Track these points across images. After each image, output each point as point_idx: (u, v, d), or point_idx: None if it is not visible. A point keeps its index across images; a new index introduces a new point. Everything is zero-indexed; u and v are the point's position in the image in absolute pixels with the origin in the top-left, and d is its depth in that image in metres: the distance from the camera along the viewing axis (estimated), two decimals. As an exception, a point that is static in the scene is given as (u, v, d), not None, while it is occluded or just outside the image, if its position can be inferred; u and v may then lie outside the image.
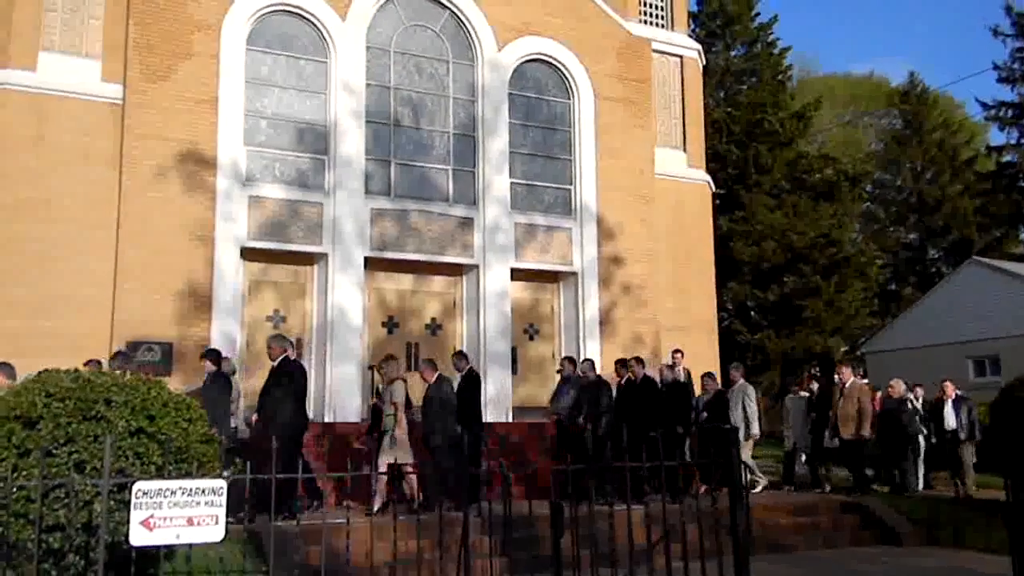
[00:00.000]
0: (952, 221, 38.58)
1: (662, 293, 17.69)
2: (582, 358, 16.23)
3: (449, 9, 16.60)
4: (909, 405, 14.27)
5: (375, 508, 10.11)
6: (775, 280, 31.21)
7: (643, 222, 17.61)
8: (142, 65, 14.00)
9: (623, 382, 12.74)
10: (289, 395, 10.28)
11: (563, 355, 16.84)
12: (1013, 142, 37.61)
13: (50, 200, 13.46)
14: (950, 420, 14.11)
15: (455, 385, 11.75)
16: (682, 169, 18.92)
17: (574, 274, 17.00)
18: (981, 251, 34.96)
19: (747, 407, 13.17)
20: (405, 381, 11.29)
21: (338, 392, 14.68)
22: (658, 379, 13.06)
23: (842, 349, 34.05)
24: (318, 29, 15.48)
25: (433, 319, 16.33)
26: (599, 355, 16.60)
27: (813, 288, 30.30)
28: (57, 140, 13.64)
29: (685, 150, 19.14)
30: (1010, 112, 37.20)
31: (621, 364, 13.01)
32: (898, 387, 14.23)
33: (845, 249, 31.70)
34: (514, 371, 16.31)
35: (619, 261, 17.22)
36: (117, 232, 13.58)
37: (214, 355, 11.13)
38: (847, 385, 13.06)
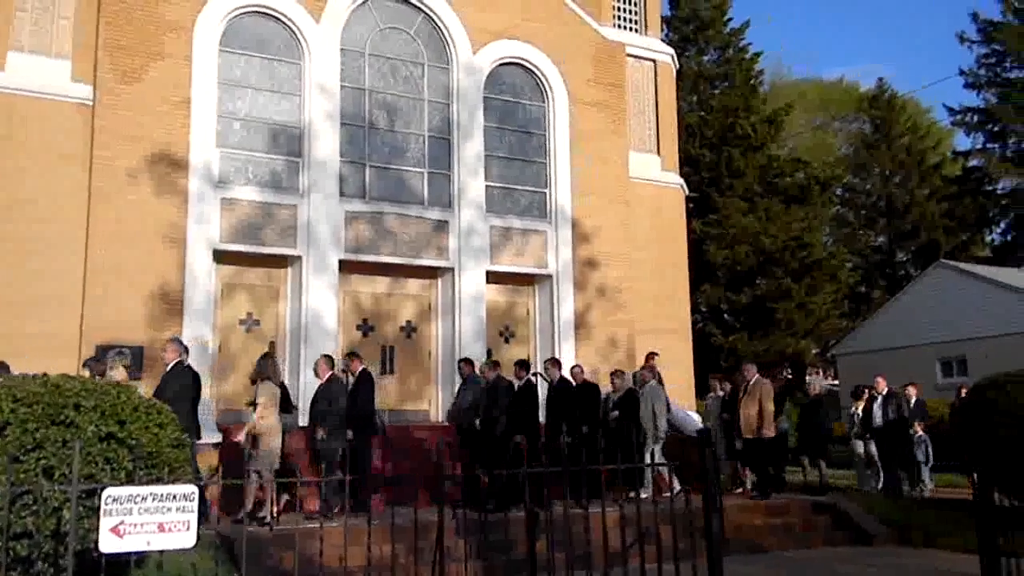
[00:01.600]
0: (920, 224, 39.19)
1: (637, 296, 17.77)
2: (565, 362, 16.35)
3: (424, 12, 16.59)
4: (884, 405, 14.11)
5: (246, 510, 9.69)
6: (748, 283, 31.50)
7: (618, 225, 17.68)
8: (113, 66, 13.84)
9: (522, 384, 12.37)
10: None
11: (536, 359, 16.89)
12: (979, 147, 38.34)
13: (20, 201, 13.25)
14: (877, 417, 13.87)
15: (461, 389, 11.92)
16: (656, 173, 19.03)
17: (549, 277, 17.04)
18: (948, 254, 35.52)
19: (655, 407, 12.73)
20: (273, 383, 10.57)
21: (312, 396, 14.55)
22: (573, 381, 12.90)
23: (813, 351, 34.44)
24: (292, 31, 15.39)
25: (408, 322, 16.28)
26: (574, 358, 16.63)
27: (785, 291, 30.60)
28: (27, 140, 13.44)
29: (659, 154, 19.25)
30: (976, 117, 37.89)
31: (520, 365, 12.63)
32: (817, 384, 14.23)
33: (816, 252, 32.05)
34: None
35: (594, 264, 17.28)
36: (87, 233, 13.40)
37: (176, 344, 10.50)
38: (750, 384, 12.65)
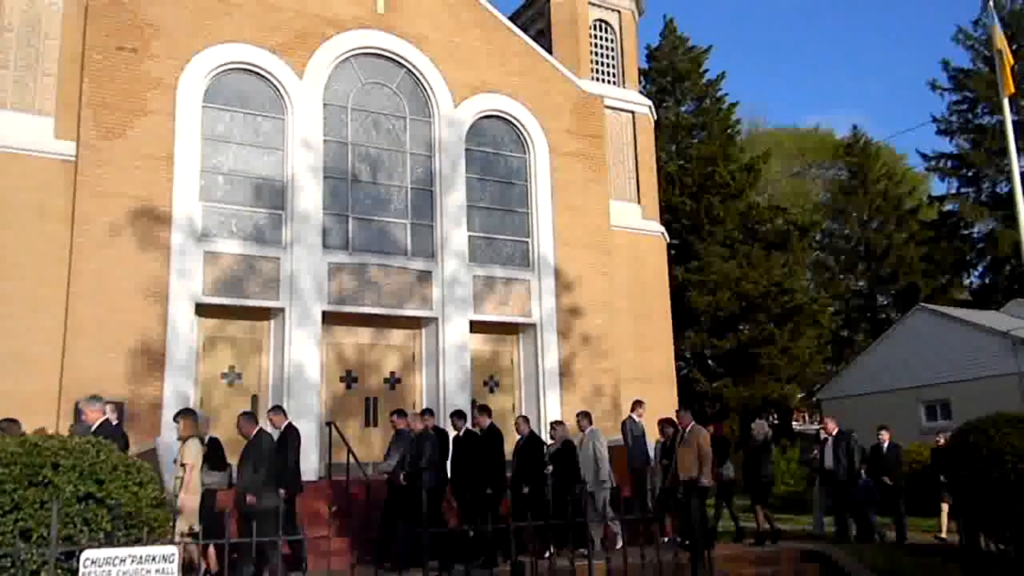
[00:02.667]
0: (899, 268, 39.60)
1: (621, 344, 17.81)
2: (543, 411, 16.32)
3: (405, 68, 16.84)
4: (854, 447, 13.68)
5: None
6: (731, 329, 31.65)
7: (601, 274, 17.80)
8: (96, 122, 13.92)
9: (462, 434, 11.85)
10: None
11: (522, 408, 16.83)
12: (954, 191, 38.97)
13: (2, 257, 13.19)
14: (827, 460, 13.54)
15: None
16: (637, 221, 19.22)
17: (533, 326, 17.06)
18: (928, 297, 35.85)
19: (597, 452, 12.24)
20: (201, 440, 10.02)
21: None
22: (517, 435, 12.36)
23: (798, 396, 34.50)
24: (275, 87, 15.57)
25: (392, 373, 16.22)
26: (560, 406, 16.62)
27: (768, 336, 30.76)
28: (9, 197, 13.42)
29: (640, 203, 19.47)
30: (949, 163, 38.60)
31: (457, 415, 12.13)
32: (760, 429, 13.62)
33: (798, 298, 32.30)
34: (473, 425, 16.17)
35: (578, 312, 17.34)
36: (68, 289, 13.33)
37: (90, 402, 9.94)
38: (687, 431, 12.21)
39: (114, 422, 9.72)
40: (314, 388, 14.85)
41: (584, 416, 12.98)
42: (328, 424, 14.28)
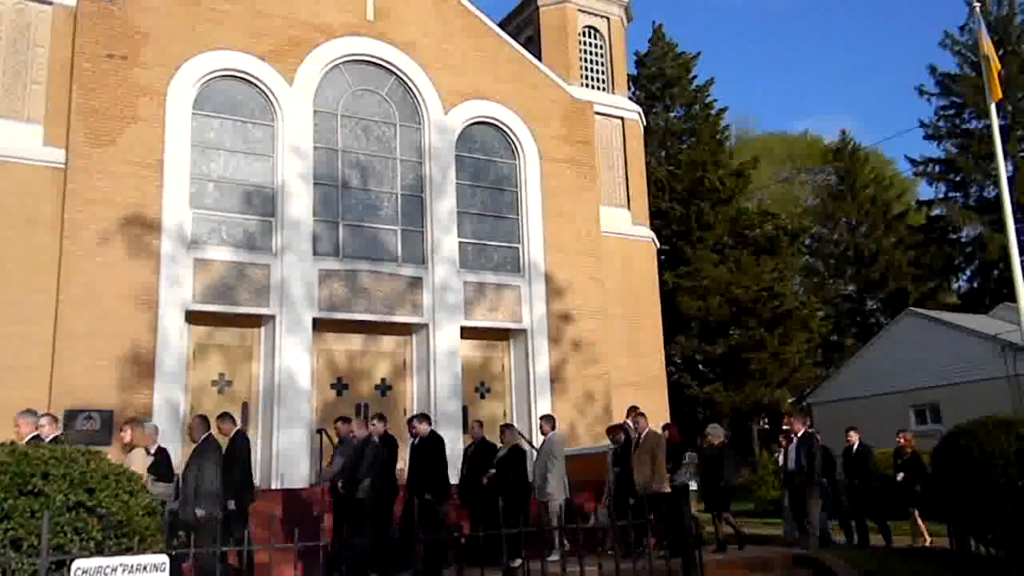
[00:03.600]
0: (888, 273, 39.80)
1: (612, 349, 17.84)
2: (538, 416, 16.27)
3: (395, 74, 16.86)
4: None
5: None
6: (721, 334, 31.73)
7: (591, 279, 17.83)
8: (86, 129, 13.88)
9: (416, 442, 11.53)
10: None
11: (513, 415, 16.82)
12: (941, 196, 39.21)
13: (-9, 265, 13.12)
14: (790, 462, 13.18)
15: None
16: (627, 226, 19.27)
17: (524, 332, 17.08)
18: (917, 301, 36.04)
19: (549, 462, 11.95)
20: (147, 450, 9.78)
21: (286, 457, 14.39)
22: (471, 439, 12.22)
23: (789, 400, 34.59)
24: (265, 94, 15.56)
25: (383, 379, 16.20)
26: (551, 412, 16.59)
27: (758, 341, 30.85)
28: (-2, 204, 13.36)
29: (629, 208, 19.53)
30: (937, 168, 38.85)
31: (416, 420, 11.83)
32: (716, 434, 13.35)
33: (787, 302, 32.42)
34: (465, 430, 16.18)
35: (569, 318, 17.36)
36: (57, 297, 13.27)
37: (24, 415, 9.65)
38: (642, 436, 11.91)
39: (47, 436, 9.34)
40: (305, 395, 14.82)
41: (546, 420, 12.64)
42: (319, 431, 14.27)
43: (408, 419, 12.06)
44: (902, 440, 14.31)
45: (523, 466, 11.67)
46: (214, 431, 10.52)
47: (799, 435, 13.19)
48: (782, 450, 14.07)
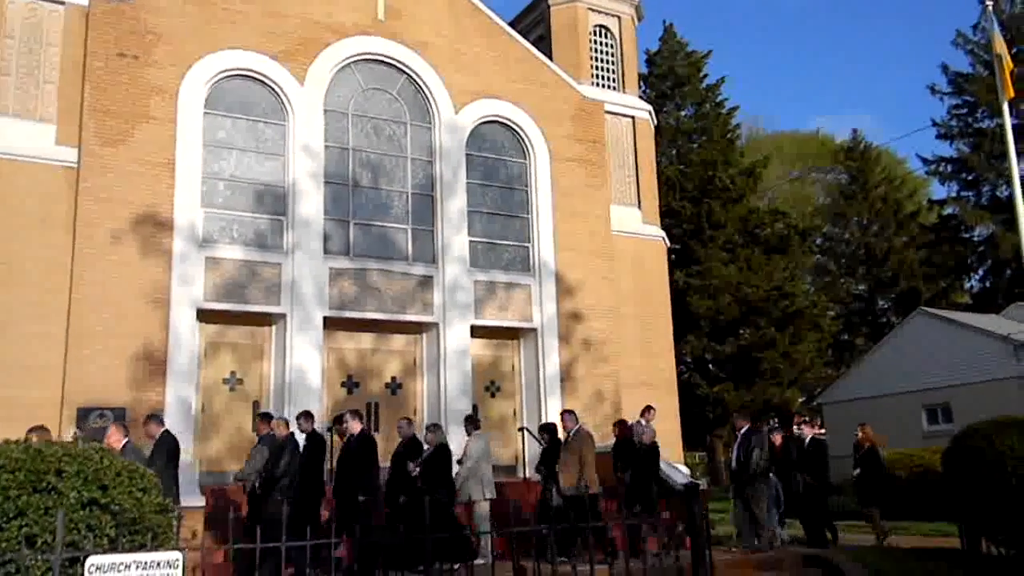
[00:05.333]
0: (899, 272, 39.65)
1: (622, 349, 17.82)
2: (544, 416, 16.29)
3: (406, 74, 16.88)
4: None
5: None
6: (732, 333, 31.67)
7: (602, 278, 17.82)
8: (98, 129, 13.96)
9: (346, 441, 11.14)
10: None
11: (523, 414, 16.83)
12: (953, 195, 39.03)
13: (7, 264, 13.21)
14: (734, 458, 12.97)
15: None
16: (638, 226, 19.25)
17: (534, 331, 17.08)
18: (928, 301, 35.88)
19: (470, 461, 11.62)
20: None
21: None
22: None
23: (799, 400, 34.52)
24: (276, 93, 15.61)
25: (393, 378, 16.24)
26: (561, 411, 16.59)
27: (769, 340, 30.78)
28: (12, 204, 13.44)
29: (640, 207, 19.51)
30: (949, 167, 38.66)
31: (351, 416, 11.42)
32: (648, 432, 13.02)
33: (798, 302, 32.33)
34: (476, 429, 16.19)
35: (579, 317, 17.36)
36: (70, 296, 13.35)
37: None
38: (571, 435, 11.58)
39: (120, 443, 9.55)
40: (315, 393, 14.87)
41: (469, 421, 12.29)
42: (329, 429, 14.30)
43: (336, 416, 11.45)
44: (860, 434, 14.02)
45: (447, 466, 11.20)
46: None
47: (742, 432, 12.93)
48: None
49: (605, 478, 12.75)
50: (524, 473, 16.14)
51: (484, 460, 11.78)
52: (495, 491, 11.79)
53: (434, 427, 11.90)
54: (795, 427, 14.00)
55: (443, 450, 11.34)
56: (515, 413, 16.90)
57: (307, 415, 11.52)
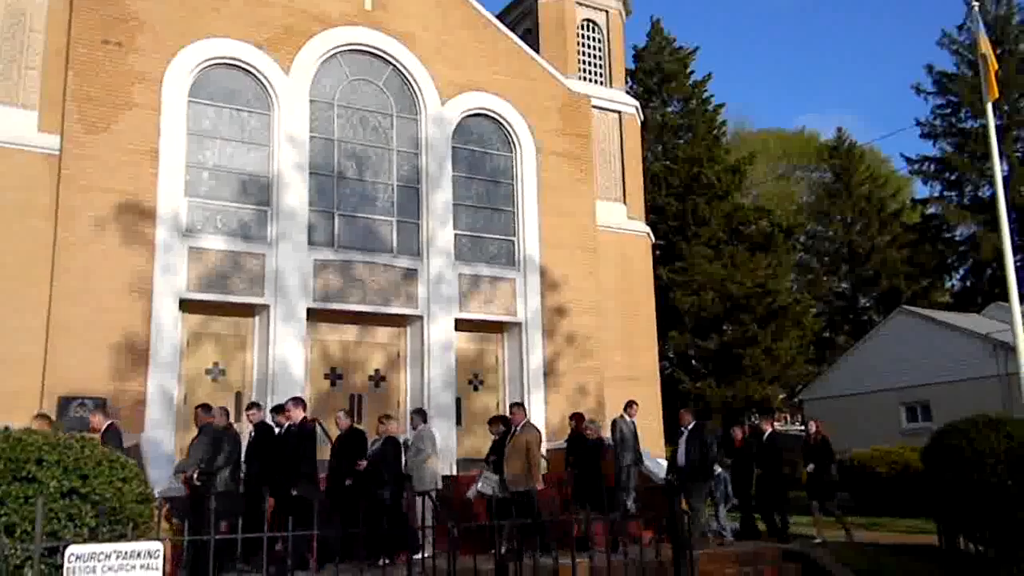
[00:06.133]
0: (882, 271, 39.94)
1: (606, 344, 17.86)
2: (531, 411, 16.30)
3: (392, 65, 16.82)
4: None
5: None
6: (715, 329, 31.80)
7: (587, 273, 17.85)
8: (81, 116, 13.82)
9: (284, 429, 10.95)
10: None
11: (506, 407, 16.83)
12: (936, 195, 39.33)
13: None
14: (680, 455, 12.63)
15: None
16: (623, 221, 19.28)
17: (518, 325, 17.09)
18: (909, 300, 36.17)
19: (415, 456, 11.39)
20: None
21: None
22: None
23: (780, 397, 34.74)
24: (261, 83, 15.51)
25: (377, 371, 16.21)
26: (544, 405, 16.65)
27: (751, 337, 30.93)
28: (-9, 191, 13.30)
29: (625, 202, 19.54)
30: (933, 166, 38.94)
31: (276, 411, 11.25)
32: (594, 428, 12.77)
33: (781, 299, 32.49)
34: (459, 422, 16.22)
35: (563, 312, 17.38)
36: (51, 284, 13.23)
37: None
38: (517, 429, 11.27)
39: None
40: (298, 385, 14.81)
41: (417, 413, 12.16)
42: (312, 421, 14.25)
43: (275, 406, 11.14)
44: (813, 427, 14.02)
45: (398, 458, 10.99)
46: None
47: (689, 428, 12.76)
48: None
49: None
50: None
51: (431, 453, 11.62)
52: (440, 483, 11.60)
53: (386, 418, 11.71)
54: (752, 422, 13.95)
55: (391, 442, 11.14)
56: (498, 407, 16.90)
57: (255, 405, 11.30)
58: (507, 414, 12.72)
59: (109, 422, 10.35)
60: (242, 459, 11.00)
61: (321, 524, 8.74)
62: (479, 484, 11.87)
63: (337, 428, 11.63)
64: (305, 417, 10.71)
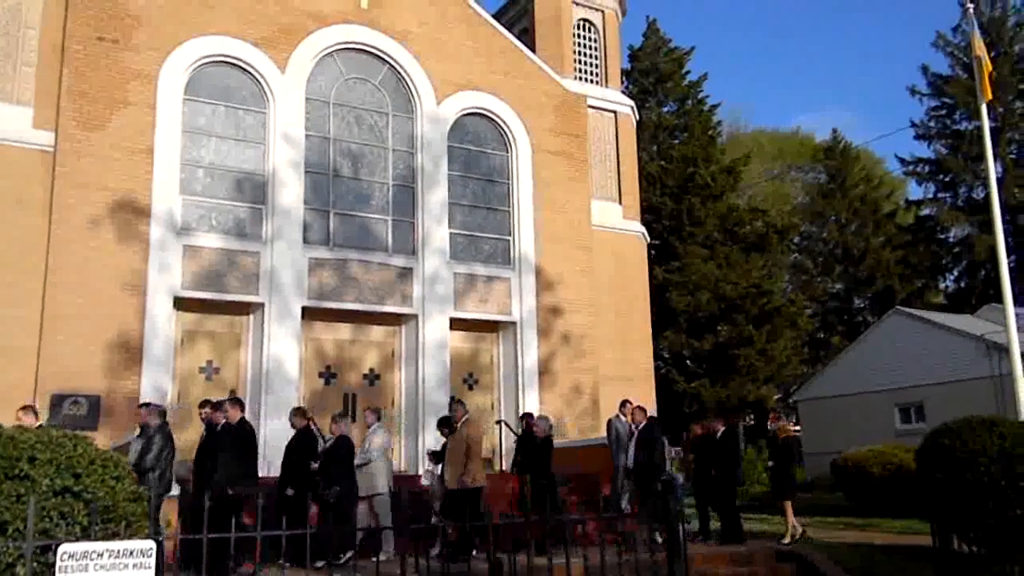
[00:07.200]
0: (876, 272, 40.00)
1: (601, 343, 17.87)
2: (521, 409, 16.34)
3: (388, 64, 16.80)
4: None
5: None
6: (709, 329, 31.84)
7: (581, 272, 17.85)
8: (77, 113, 13.78)
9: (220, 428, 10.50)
10: None
11: (500, 406, 16.84)
12: (930, 196, 39.43)
13: (-22, 248, 13.02)
14: (629, 457, 12.38)
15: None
16: (618, 221, 19.29)
17: (513, 324, 17.08)
18: (904, 301, 36.23)
19: (372, 452, 11.16)
20: None
21: (273, 445, 14.34)
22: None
23: (775, 397, 34.78)
24: (257, 81, 15.48)
25: (371, 369, 16.19)
26: (538, 404, 16.65)
27: (746, 337, 30.98)
28: (-15, 187, 13.25)
29: (621, 202, 19.55)
30: (927, 168, 39.04)
31: (215, 407, 10.85)
32: (543, 425, 12.31)
33: (776, 299, 32.55)
34: (221, 418, 16.01)
35: (558, 311, 17.38)
36: (45, 281, 13.19)
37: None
38: (459, 426, 10.98)
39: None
40: (292, 383, 14.80)
41: (371, 411, 11.95)
42: (307, 423, 14.22)
43: (216, 401, 10.96)
44: (777, 425, 13.89)
45: (348, 459, 10.81)
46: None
47: (640, 428, 12.42)
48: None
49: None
50: (501, 466, 16.16)
51: (386, 452, 11.48)
52: (384, 486, 11.33)
53: (340, 417, 11.36)
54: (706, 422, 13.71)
55: (344, 442, 10.92)
56: (493, 406, 16.91)
57: (207, 402, 11.13)
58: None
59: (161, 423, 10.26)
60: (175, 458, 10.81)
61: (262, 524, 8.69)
62: (423, 478, 11.79)
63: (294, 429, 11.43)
64: (243, 417, 10.35)
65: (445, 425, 11.43)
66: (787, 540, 12.70)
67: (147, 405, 11.01)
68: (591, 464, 13.45)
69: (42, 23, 14.11)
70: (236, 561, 8.70)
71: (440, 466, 11.45)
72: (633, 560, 6.21)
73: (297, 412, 11.21)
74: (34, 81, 13.96)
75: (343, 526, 9.34)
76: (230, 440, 10.06)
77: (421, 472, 12.00)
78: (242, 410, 10.40)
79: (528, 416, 13.11)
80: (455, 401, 11.64)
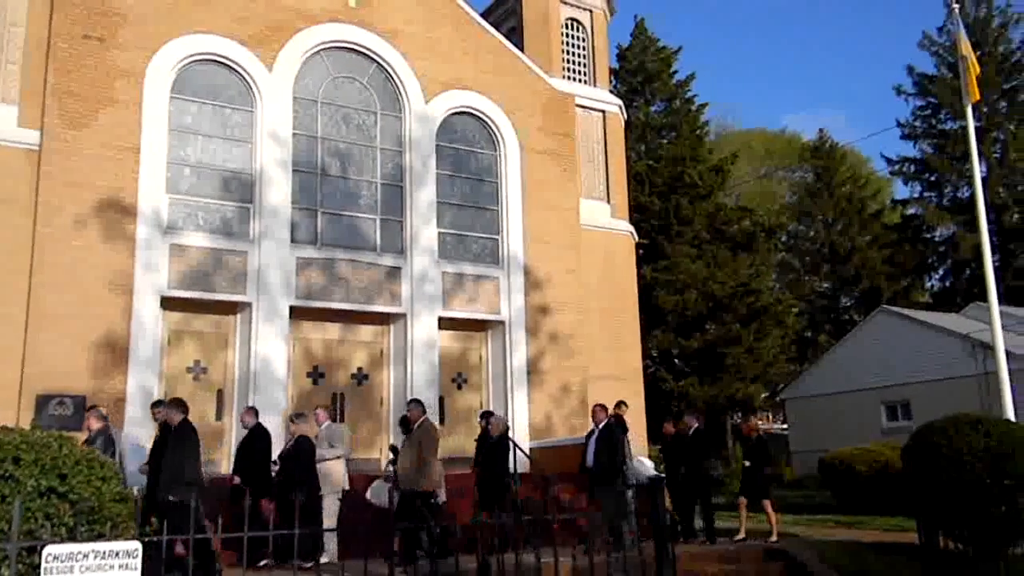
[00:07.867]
0: (862, 271, 40.26)
1: (589, 342, 17.88)
2: (510, 408, 16.36)
3: (376, 62, 16.76)
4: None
5: None
6: (697, 328, 31.94)
7: (570, 272, 17.86)
8: (62, 111, 13.68)
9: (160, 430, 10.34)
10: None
11: (489, 405, 16.82)
12: (916, 196, 39.73)
13: (-40, 248, 12.91)
14: (589, 456, 12.24)
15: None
16: (606, 220, 19.31)
17: (502, 323, 17.07)
18: (890, 299, 36.47)
19: (326, 455, 11.01)
20: None
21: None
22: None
23: (762, 396, 34.93)
24: (244, 79, 15.41)
25: (360, 369, 16.15)
26: (527, 404, 16.66)
27: (734, 336, 31.09)
28: (-32, 186, 13.13)
29: (609, 201, 19.56)
30: (913, 167, 39.33)
31: (168, 405, 10.40)
32: (498, 426, 12.25)
33: (764, 298, 32.68)
34: (441, 421, 16.19)
35: (547, 310, 17.39)
36: (30, 280, 13.09)
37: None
38: (415, 428, 10.73)
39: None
40: (280, 383, 14.74)
41: (323, 410, 11.83)
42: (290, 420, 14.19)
43: (157, 400, 10.71)
44: (749, 424, 13.91)
45: (311, 459, 10.70)
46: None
47: (600, 427, 12.26)
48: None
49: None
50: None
51: (341, 453, 11.38)
52: (348, 485, 11.38)
53: (298, 416, 11.33)
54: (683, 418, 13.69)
55: (304, 442, 10.82)
56: (482, 405, 16.88)
57: (159, 402, 10.93)
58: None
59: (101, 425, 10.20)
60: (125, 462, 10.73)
61: (202, 528, 8.61)
62: (368, 492, 11.61)
63: (243, 428, 11.35)
64: (185, 419, 9.95)
65: (403, 424, 11.22)
66: (774, 538, 12.76)
67: (160, 403, 10.92)
68: (577, 463, 13.43)
69: (28, 21, 13.98)
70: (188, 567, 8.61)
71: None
72: (621, 558, 6.22)
73: (254, 412, 11.24)
74: (19, 79, 13.84)
75: (312, 528, 9.23)
76: (171, 444, 9.73)
77: (382, 467, 11.89)
78: (185, 412, 9.97)
79: (488, 415, 13.09)
80: (412, 402, 11.41)
